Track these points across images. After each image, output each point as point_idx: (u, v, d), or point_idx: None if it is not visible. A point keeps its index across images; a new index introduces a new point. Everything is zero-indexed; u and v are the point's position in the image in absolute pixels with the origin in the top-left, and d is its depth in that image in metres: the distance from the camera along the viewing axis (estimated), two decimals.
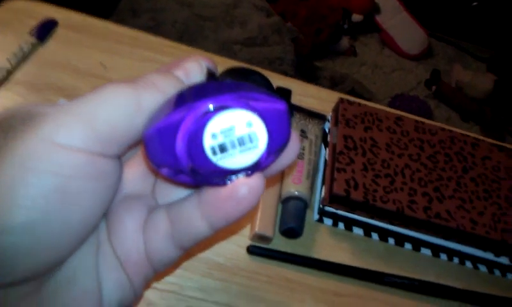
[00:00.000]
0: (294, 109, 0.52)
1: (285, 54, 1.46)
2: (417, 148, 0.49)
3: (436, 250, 0.49)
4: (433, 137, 0.50)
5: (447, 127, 0.52)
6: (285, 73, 1.40)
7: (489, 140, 0.54)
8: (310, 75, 1.59)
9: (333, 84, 1.63)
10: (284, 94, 0.52)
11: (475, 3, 1.89)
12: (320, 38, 1.67)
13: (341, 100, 0.50)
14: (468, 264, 0.50)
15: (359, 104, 0.50)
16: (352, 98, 0.51)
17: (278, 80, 0.55)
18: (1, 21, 0.52)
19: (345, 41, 1.77)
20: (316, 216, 0.48)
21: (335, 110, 0.51)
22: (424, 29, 1.87)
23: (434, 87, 1.78)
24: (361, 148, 0.47)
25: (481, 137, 0.53)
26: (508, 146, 0.53)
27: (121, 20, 1.36)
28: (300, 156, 0.48)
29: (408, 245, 0.49)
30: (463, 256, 0.49)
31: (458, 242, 0.47)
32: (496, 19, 1.92)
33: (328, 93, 0.58)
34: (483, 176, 0.49)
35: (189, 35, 1.35)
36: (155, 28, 1.33)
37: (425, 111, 1.68)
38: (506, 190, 0.49)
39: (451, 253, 0.49)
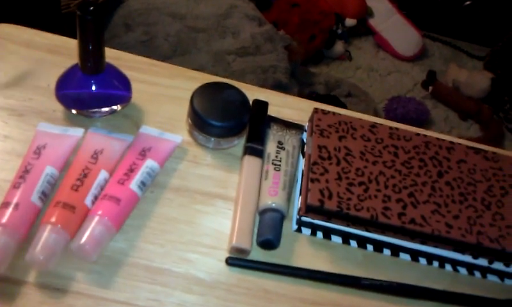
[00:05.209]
0: (270, 121, 0.53)
1: (278, 62, 1.47)
2: (391, 155, 0.49)
3: (415, 254, 0.50)
4: (408, 143, 0.51)
5: (422, 132, 0.53)
6: (279, 82, 1.41)
7: (468, 142, 0.54)
8: (304, 82, 1.60)
9: (329, 89, 1.64)
10: (261, 106, 0.53)
11: (467, 2, 1.89)
12: (314, 44, 1.69)
13: (315, 110, 0.51)
14: (448, 267, 0.50)
15: (333, 113, 0.51)
16: (329, 108, 0.52)
17: (257, 93, 0.56)
18: None
19: (339, 46, 1.78)
20: (294, 226, 0.49)
21: (311, 120, 0.52)
22: (418, 30, 1.87)
23: (430, 88, 1.79)
24: (336, 157, 0.48)
25: (459, 140, 0.54)
26: (484, 148, 0.54)
27: (114, 36, 1.38)
28: (276, 167, 0.49)
29: (386, 251, 0.49)
30: (442, 260, 0.50)
31: (435, 246, 0.48)
32: (490, 17, 1.92)
33: (308, 104, 0.58)
34: (458, 179, 0.50)
35: (182, 48, 1.36)
36: (148, 42, 1.35)
37: (422, 112, 1.68)
38: (482, 192, 0.50)
39: (430, 257, 0.50)
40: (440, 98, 1.80)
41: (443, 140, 0.52)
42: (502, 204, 0.50)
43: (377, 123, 0.52)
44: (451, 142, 0.53)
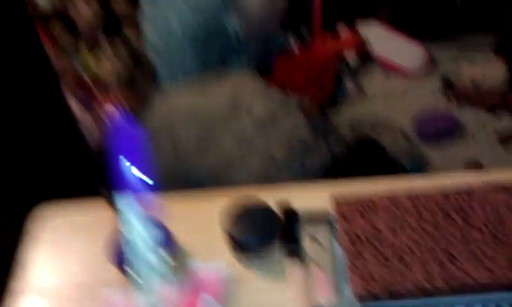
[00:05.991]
0: (300, 219, 0.57)
1: (297, 122, 1.52)
2: (416, 219, 0.53)
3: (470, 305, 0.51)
4: (428, 201, 0.54)
5: (437, 181, 0.56)
6: (304, 141, 1.46)
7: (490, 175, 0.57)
8: (328, 130, 1.64)
9: (353, 128, 1.67)
10: (287, 209, 0.57)
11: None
12: (324, 92, 1.74)
13: (335, 199, 0.55)
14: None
15: (351, 198, 0.55)
16: (345, 190, 0.56)
17: (280, 192, 0.61)
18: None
19: (349, 84, 1.83)
20: None
21: (333, 208, 0.56)
22: (418, 41, 1.90)
23: (451, 93, 1.79)
24: (365, 238, 0.52)
25: (475, 183, 0.56)
26: (501, 183, 0.56)
27: None
28: (317, 263, 0.53)
29: None
30: (498, 301, 0.51)
31: (485, 292, 0.50)
32: (484, 3, 1.93)
33: (329, 187, 0.62)
34: (485, 221, 0.52)
35: (206, 143, 1.44)
36: (173, 148, 1.43)
37: (452, 121, 1.69)
38: None
39: (485, 303, 0.51)
40: (463, 100, 1.80)
41: (459, 189, 0.55)
42: None
43: (396, 194, 0.55)
44: (468, 187, 0.55)
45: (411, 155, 1.53)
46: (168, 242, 0.56)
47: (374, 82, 1.89)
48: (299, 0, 1.97)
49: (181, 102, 1.49)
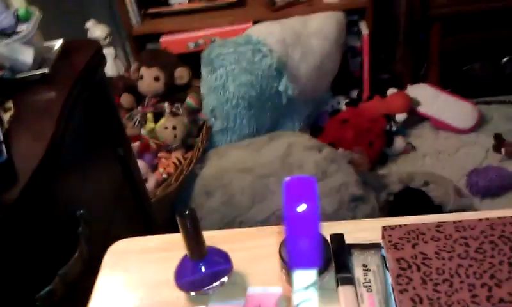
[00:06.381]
0: (350, 248, 0.61)
1: (347, 178, 1.56)
2: (463, 246, 0.55)
3: None
4: (474, 231, 0.57)
5: (484, 217, 0.59)
6: (354, 196, 1.49)
7: None
8: (379, 186, 1.66)
9: (403, 182, 1.68)
10: (338, 239, 0.61)
11: (505, 59, 1.95)
12: (374, 149, 1.78)
13: (384, 228, 0.59)
14: None
15: (400, 226, 0.58)
16: (393, 222, 0.60)
17: (333, 227, 0.65)
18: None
19: (399, 142, 1.86)
20: None
21: (383, 237, 0.59)
22: (468, 100, 1.93)
23: (503, 150, 1.78)
24: (415, 264, 0.55)
25: None
26: None
27: (199, 205, 1.55)
28: (368, 289, 0.56)
29: None
30: None
31: None
32: None
33: (378, 221, 0.66)
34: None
35: (258, 196, 1.50)
36: (228, 201, 1.50)
37: (505, 177, 1.67)
38: None
39: None
40: None
41: (505, 217, 0.58)
42: None
43: (441, 222, 0.58)
44: None
45: (460, 206, 1.52)
46: (228, 270, 0.61)
47: (424, 140, 1.92)
48: (348, 65, 2.07)
49: (235, 159, 1.58)
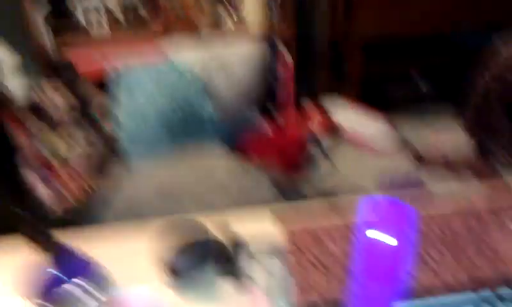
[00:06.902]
0: (249, 251, 0.57)
1: (272, 200, 1.53)
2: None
3: None
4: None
5: None
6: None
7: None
8: (302, 207, 1.64)
9: (325, 196, 1.67)
10: (238, 244, 0.57)
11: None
12: (298, 170, 1.77)
13: (286, 227, 0.56)
14: None
15: (305, 225, 0.55)
16: (297, 221, 0.57)
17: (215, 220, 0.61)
18: None
19: (321, 160, 1.87)
20: None
21: (287, 238, 0.56)
22: (382, 116, 1.99)
23: (422, 166, 1.83)
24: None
25: None
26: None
27: None
28: (268, 293, 0.52)
29: None
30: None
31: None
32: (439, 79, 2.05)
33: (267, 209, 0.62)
34: (443, 239, 0.53)
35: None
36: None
37: (417, 181, 1.70)
38: (473, 249, 0.52)
39: None
40: (435, 171, 1.83)
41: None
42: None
43: (349, 222, 0.56)
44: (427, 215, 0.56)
45: None
46: (94, 275, 0.55)
47: (346, 158, 1.94)
48: (272, 92, 2.08)
49: (150, 181, 1.51)
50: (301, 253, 0.51)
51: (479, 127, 1.90)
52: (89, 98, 1.70)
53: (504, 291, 0.51)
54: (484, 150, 1.83)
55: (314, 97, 2.12)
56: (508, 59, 1.70)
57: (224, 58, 1.82)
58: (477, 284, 0.50)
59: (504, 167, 1.81)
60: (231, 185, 1.49)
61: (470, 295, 0.51)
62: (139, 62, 1.81)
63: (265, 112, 2.03)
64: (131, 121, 1.63)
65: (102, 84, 1.79)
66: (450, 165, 1.80)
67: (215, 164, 1.56)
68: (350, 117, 1.99)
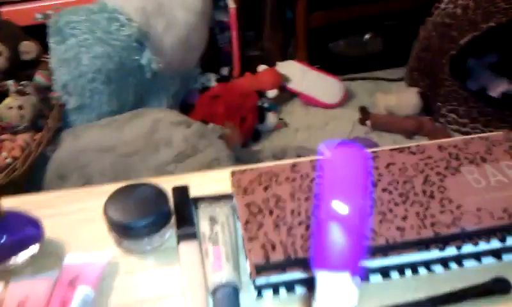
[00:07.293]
0: (196, 201, 0.51)
1: (219, 153, 1.47)
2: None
3: (385, 271, 0.47)
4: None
5: None
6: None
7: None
8: (252, 162, 1.60)
9: (278, 159, 1.65)
10: (181, 191, 0.51)
11: (367, 35, 2.01)
12: (246, 124, 1.72)
13: (233, 173, 0.50)
14: (422, 270, 0.48)
15: (251, 169, 0.50)
16: (243, 167, 0.51)
17: (178, 180, 0.55)
18: None
19: (271, 118, 1.83)
20: (254, 293, 0.46)
21: (233, 184, 0.51)
22: (335, 76, 1.96)
23: (368, 122, 1.83)
24: (267, 208, 0.46)
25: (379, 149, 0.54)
26: (404, 146, 0.54)
27: (51, 191, 1.35)
28: (214, 243, 0.46)
29: None
30: (414, 265, 0.47)
31: (399, 254, 0.46)
32: (393, 39, 2.04)
33: (228, 171, 0.57)
34: (393, 182, 0.49)
35: (121, 176, 1.35)
36: (86, 184, 1.33)
37: (371, 145, 1.71)
38: (420, 185, 0.49)
39: (401, 267, 0.47)
40: (381, 128, 1.84)
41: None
42: (444, 188, 0.49)
43: (296, 162, 0.51)
44: (373, 151, 0.52)
45: None
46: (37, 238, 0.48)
47: (296, 115, 1.91)
48: (216, 41, 1.99)
49: (93, 139, 1.41)
50: (248, 196, 0.46)
51: (421, 77, 1.91)
52: (20, 46, 1.56)
53: (467, 247, 0.48)
54: (428, 106, 1.86)
55: (263, 53, 2.06)
56: (448, 5, 1.70)
57: (163, 1, 1.70)
58: (441, 241, 0.47)
59: (448, 123, 1.84)
60: (177, 142, 1.41)
61: (435, 252, 0.48)
62: (70, 5, 1.67)
63: (212, 68, 1.95)
64: (63, 70, 1.50)
65: (33, 29, 1.64)
66: (397, 123, 1.82)
67: (160, 121, 1.48)
68: (301, 75, 1.95)
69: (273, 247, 0.43)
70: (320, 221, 0.23)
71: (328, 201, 0.22)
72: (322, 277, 0.24)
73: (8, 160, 1.36)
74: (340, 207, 0.23)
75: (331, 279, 0.24)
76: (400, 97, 1.87)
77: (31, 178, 1.38)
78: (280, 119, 1.86)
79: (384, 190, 0.48)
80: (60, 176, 1.39)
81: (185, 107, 1.80)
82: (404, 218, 0.46)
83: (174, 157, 1.40)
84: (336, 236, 0.23)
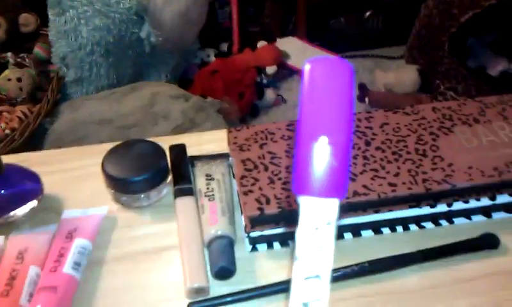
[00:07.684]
0: (193, 160, 0.52)
1: (216, 127, 1.48)
2: None
3: (377, 226, 0.48)
4: None
5: None
6: None
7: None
8: None
9: None
10: (178, 149, 0.52)
11: (368, 12, 2.00)
12: (245, 100, 1.72)
13: (229, 131, 0.51)
14: (413, 227, 0.49)
15: (247, 127, 0.51)
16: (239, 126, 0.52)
17: (173, 140, 0.55)
18: None
19: (270, 94, 1.83)
20: (248, 247, 0.47)
21: (229, 142, 0.51)
22: (335, 54, 1.95)
23: (367, 99, 1.83)
24: (262, 164, 0.47)
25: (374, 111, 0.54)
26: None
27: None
28: (210, 198, 0.47)
29: (347, 235, 0.48)
30: (405, 221, 0.48)
31: (390, 210, 0.47)
32: (394, 18, 2.03)
33: (224, 132, 0.58)
34: (387, 141, 0.50)
35: None
36: None
37: None
38: (413, 144, 0.50)
39: (392, 224, 0.48)
40: (379, 105, 1.84)
41: (359, 112, 0.53)
42: (437, 147, 0.50)
43: (292, 121, 0.52)
44: (367, 112, 0.53)
45: None
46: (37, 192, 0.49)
47: (294, 92, 1.91)
48: (216, 17, 1.99)
49: (92, 111, 1.41)
50: (244, 153, 0.47)
51: (421, 55, 1.91)
52: (19, 18, 1.55)
53: (458, 204, 0.49)
54: (427, 83, 1.86)
55: (263, 29, 2.05)
56: None
57: None
58: (432, 197, 0.48)
59: (447, 101, 1.85)
60: (175, 115, 1.42)
61: (426, 209, 0.49)
62: None
63: (212, 43, 1.95)
64: (62, 42, 1.50)
65: (32, 1, 1.64)
66: (395, 100, 1.82)
67: (158, 94, 1.48)
68: (300, 51, 1.94)
69: (268, 201, 0.44)
70: (302, 141, 0.23)
71: (310, 119, 0.23)
72: (306, 202, 0.24)
73: (7, 132, 1.37)
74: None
75: (317, 207, 0.24)
76: (399, 74, 1.87)
77: (29, 150, 1.39)
78: (278, 95, 1.86)
79: (377, 148, 0.49)
80: (58, 147, 1.39)
81: (184, 81, 1.80)
82: (396, 175, 0.47)
83: (172, 130, 1.41)
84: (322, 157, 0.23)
